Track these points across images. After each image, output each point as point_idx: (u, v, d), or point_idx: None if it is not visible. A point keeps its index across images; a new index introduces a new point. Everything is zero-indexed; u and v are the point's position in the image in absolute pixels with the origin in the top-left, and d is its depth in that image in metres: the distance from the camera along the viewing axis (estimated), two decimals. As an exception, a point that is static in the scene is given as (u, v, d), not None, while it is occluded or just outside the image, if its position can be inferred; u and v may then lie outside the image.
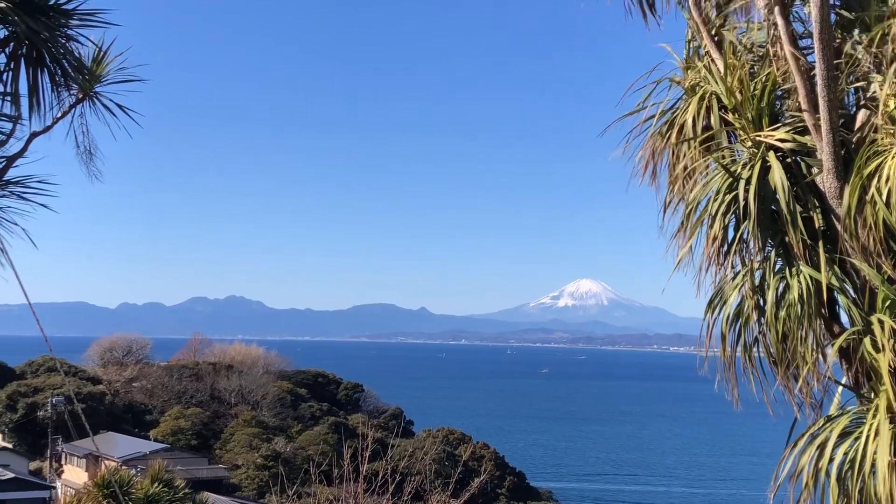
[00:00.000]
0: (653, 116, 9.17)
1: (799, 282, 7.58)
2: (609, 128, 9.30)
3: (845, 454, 7.27)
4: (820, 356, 7.76)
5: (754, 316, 7.94)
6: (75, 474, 71.93)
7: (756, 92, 8.00)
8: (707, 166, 8.25)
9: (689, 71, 9.05)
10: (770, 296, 7.77)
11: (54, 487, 66.84)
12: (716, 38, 8.63)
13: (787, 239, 7.67)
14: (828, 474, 7.31)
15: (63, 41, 8.01)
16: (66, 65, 8.07)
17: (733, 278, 8.09)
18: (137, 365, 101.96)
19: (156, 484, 20.83)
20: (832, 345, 7.67)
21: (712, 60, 8.53)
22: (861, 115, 7.77)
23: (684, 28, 9.37)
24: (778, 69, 8.07)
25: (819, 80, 7.40)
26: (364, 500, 22.00)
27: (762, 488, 7.96)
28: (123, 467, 46.95)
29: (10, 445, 79.97)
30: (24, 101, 8.16)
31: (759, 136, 7.87)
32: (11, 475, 62.69)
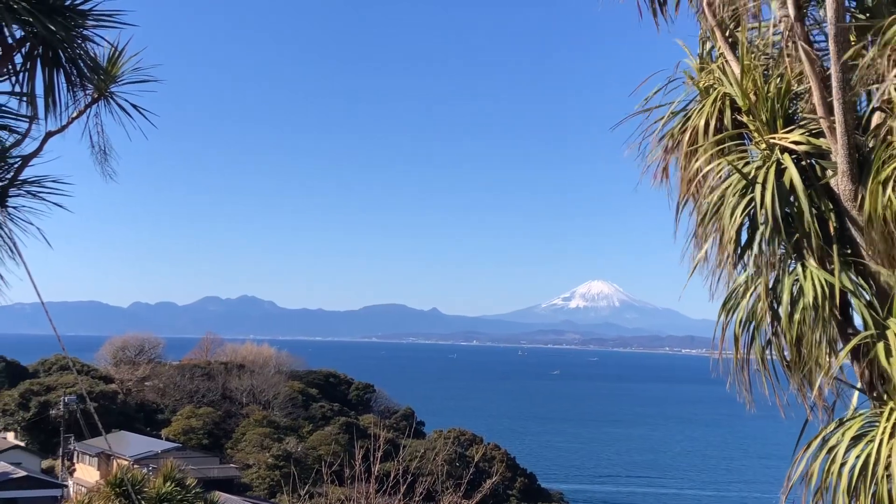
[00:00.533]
0: (663, 117, 9.16)
1: (813, 285, 7.56)
2: (620, 128, 9.29)
3: (857, 457, 7.25)
4: (834, 360, 7.75)
5: (767, 319, 7.92)
6: (87, 473, 72.23)
7: (770, 94, 7.99)
8: (721, 168, 8.23)
9: (702, 72, 9.04)
10: (784, 299, 7.75)
11: (66, 486, 67.10)
12: (729, 40, 8.61)
13: (801, 241, 7.66)
14: (839, 477, 7.29)
15: (79, 42, 8.05)
16: (82, 65, 8.11)
17: (747, 281, 8.08)
18: (149, 364, 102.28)
19: (168, 483, 20.89)
20: (844, 347, 7.65)
21: (726, 62, 8.51)
22: (876, 118, 7.74)
23: (692, 29, 9.36)
24: (792, 70, 8.06)
25: (834, 83, 7.39)
26: (376, 501, 22.03)
27: (774, 491, 7.96)
28: (135, 466, 47.11)
29: (22, 444, 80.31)
30: (40, 101, 8.21)
31: (774, 138, 7.85)
32: (24, 473, 63.01)
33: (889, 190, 7.20)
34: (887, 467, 7.00)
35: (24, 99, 8.10)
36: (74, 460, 77.44)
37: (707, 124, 8.53)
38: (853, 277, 7.73)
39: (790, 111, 8.12)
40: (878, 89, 7.44)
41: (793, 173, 7.64)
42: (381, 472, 22.62)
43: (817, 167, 7.87)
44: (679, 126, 8.93)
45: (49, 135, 8.59)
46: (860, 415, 7.58)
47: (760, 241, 7.76)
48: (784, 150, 7.79)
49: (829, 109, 7.57)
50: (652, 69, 9.42)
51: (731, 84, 8.35)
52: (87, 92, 8.80)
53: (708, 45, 9.20)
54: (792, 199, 7.62)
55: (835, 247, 7.63)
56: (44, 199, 8.49)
